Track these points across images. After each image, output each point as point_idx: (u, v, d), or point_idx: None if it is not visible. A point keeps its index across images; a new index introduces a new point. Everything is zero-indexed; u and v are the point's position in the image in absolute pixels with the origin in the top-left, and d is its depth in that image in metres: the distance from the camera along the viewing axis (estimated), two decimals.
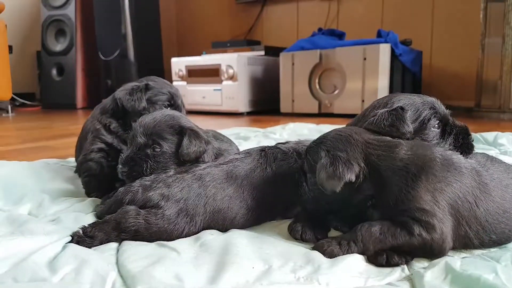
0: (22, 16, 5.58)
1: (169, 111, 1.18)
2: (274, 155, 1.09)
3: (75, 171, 1.43)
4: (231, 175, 1.01)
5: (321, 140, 0.90)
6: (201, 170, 1.01)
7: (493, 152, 1.76)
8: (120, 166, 1.08)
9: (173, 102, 1.34)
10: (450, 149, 0.95)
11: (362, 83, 3.52)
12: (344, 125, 1.21)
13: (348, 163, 0.83)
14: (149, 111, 1.26)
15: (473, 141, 1.02)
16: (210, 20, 5.82)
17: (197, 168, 1.03)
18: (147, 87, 1.31)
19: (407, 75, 3.78)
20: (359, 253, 0.79)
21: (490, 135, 2.03)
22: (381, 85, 3.46)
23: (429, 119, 0.98)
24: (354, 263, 0.76)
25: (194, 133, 1.10)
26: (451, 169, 0.82)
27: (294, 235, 0.92)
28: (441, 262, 0.74)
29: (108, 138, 1.31)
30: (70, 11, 5.02)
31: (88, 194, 1.29)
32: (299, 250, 0.83)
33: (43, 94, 5.49)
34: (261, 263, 0.77)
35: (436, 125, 1.00)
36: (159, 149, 1.08)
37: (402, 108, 0.96)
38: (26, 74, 5.68)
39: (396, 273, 0.74)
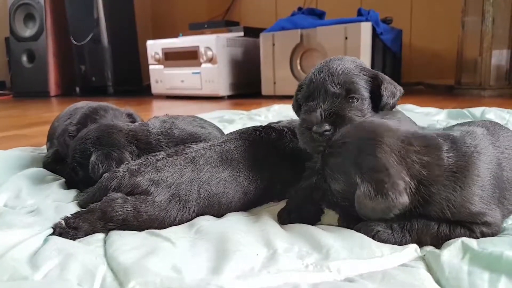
0: None
1: (99, 129, 1.11)
2: (268, 134, 1.04)
3: None
4: (226, 157, 0.95)
5: (346, 153, 0.73)
6: (194, 152, 0.94)
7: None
8: None
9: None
10: None
11: None
12: None
13: (394, 184, 0.68)
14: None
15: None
16: (186, 1, 5.66)
17: (189, 149, 0.96)
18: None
19: (388, 54, 3.75)
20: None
21: (477, 110, 2.01)
22: None
23: None
24: (364, 246, 0.71)
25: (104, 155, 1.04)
26: (482, 159, 0.76)
27: (283, 223, 0.86)
28: (457, 241, 0.69)
29: None
30: None
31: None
32: (302, 232, 0.78)
33: (14, 82, 5.25)
34: (265, 249, 0.71)
35: None
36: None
37: None
38: None
39: (409, 254, 0.70)
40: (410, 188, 0.70)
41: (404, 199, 0.69)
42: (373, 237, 0.73)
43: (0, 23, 5.30)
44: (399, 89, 0.97)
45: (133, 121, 1.34)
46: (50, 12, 4.85)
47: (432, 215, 0.73)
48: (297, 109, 1.02)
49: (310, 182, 0.90)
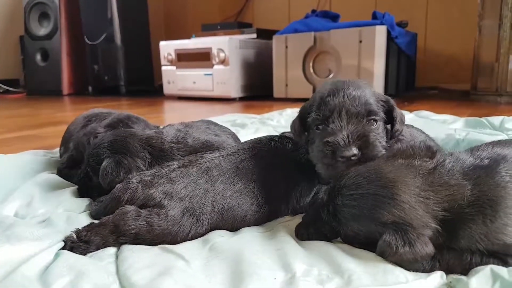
0: None
1: (114, 134, 1.10)
2: (284, 145, 1.01)
3: None
4: (240, 168, 0.92)
5: (362, 206, 0.71)
6: (208, 162, 0.92)
7: (500, 138, 1.69)
8: None
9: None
10: None
11: (358, 67, 3.42)
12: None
13: (420, 236, 0.66)
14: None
15: None
16: (198, 1, 5.65)
17: (203, 159, 0.94)
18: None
19: (403, 58, 3.70)
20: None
21: (496, 119, 1.95)
22: (377, 69, 3.36)
23: None
24: (388, 271, 0.67)
25: (115, 162, 1.02)
26: (508, 187, 0.71)
27: (301, 238, 0.82)
28: (485, 269, 0.66)
29: None
30: None
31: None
32: (321, 252, 0.74)
33: (27, 80, 5.30)
34: (283, 272, 0.68)
35: None
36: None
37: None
38: (9, 59, 5.47)
39: (435, 280, 0.66)
40: (438, 231, 0.68)
41: (430, 249, 0.67)
42: (400, 265, 0.70)
43: (15, 21, 5.33)
44: (404, 115, 0.95)
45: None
46: (65, 12, 4.87)
47: (463, 247, 0.70)
48: (300, 132, 0.97)
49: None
